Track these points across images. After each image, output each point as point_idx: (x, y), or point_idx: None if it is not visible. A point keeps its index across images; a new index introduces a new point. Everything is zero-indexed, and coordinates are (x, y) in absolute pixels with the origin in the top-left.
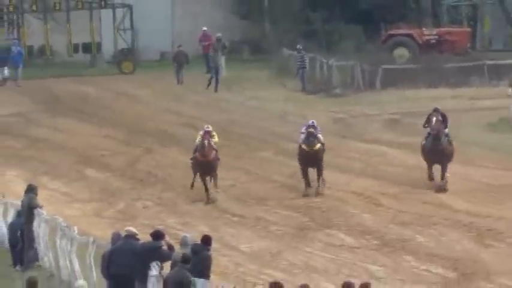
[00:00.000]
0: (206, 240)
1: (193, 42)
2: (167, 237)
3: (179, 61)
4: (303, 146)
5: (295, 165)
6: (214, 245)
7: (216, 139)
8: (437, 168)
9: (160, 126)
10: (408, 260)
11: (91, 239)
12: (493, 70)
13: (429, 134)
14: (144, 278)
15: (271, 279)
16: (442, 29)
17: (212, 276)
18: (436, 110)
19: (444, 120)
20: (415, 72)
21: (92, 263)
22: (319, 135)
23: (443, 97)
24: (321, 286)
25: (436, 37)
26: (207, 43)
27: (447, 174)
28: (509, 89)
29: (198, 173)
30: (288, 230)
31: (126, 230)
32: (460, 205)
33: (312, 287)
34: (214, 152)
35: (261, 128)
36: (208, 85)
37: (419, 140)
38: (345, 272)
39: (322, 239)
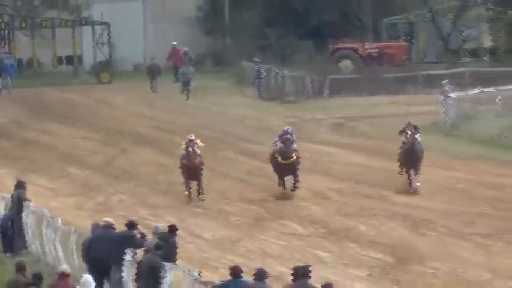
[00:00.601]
0: (173, 229)
1: (163, 56)
2: (140, 227)
3: (153, 72)
4: (278, 158)
5: (252, 163)
6: (180, 233)
7: (200, 144)
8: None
9: (135, 129)
10: (351, 246)
11: (73, 229)
12: (427, 80)
13: (403, 143)
14: (119, 262)
15: (231, 264)
16: (382, 44)
17: (179, 261)
18: (409, 124)
19: (416, 130)
20: (358, 82)
21: (74, 250)
22: (294, 144)
23: (382, 103)
24: (276, 270)
25: (377, 50)
26: (175, 56)
27: (420, 178)
28: (441, 96)
29: (186, 178)
30: (246, 221)
31: (103, 221)
32: (397, 198)
33: (268, 271)
34: (199, 157)
35: (223, 131)
36: (183, 93)
37: (361, 141)
38: (296, 257)
39: (276, 228)
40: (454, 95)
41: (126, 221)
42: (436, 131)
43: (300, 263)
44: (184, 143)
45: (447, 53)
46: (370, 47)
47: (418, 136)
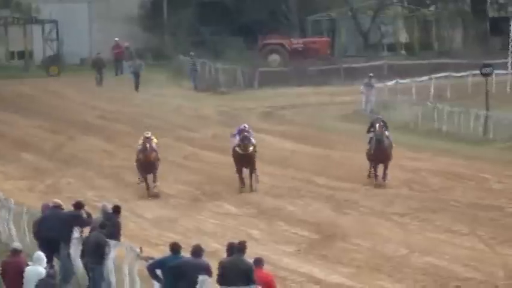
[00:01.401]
0: (116, 209)
1: (107, 50)
2: (86, 208)
3: (98, 66)
4: (237, 149)
5: (188, 149)
6: (124, 213)
7: (156, 141)
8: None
9: (82, 118)
10: (281, 225)
11: (25, 209)
12: (348, 72)
13: (371, 138)
14: (67, 240)
15: (170, 241)
16: (307, 39)
17: (122, 239)
18: (377, 118)
19: (385, 125)
20: (286, 74)
21: (26, 228)
22: (252, 139)
23: (308, 94)
24: (211, 246)
25: (302, 45)
26: (117, 51)
27: (387, 173)
28: (362, 87)
29: (142, 172)
30: (184, 202)
31: (53, 202)
32: (323, 181)
33: (204, 247)
34: (154, 153)
35: (162, 119)
36: (137, 86)
37: (289, 128)
38: (229, 235)
39: (211, 208)
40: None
41: (73, 202)
42: (356, 119)
43: (234, 240)
44: (141, 139)
45: (367, 48)
46: (296, 42)
47: (386, 132)
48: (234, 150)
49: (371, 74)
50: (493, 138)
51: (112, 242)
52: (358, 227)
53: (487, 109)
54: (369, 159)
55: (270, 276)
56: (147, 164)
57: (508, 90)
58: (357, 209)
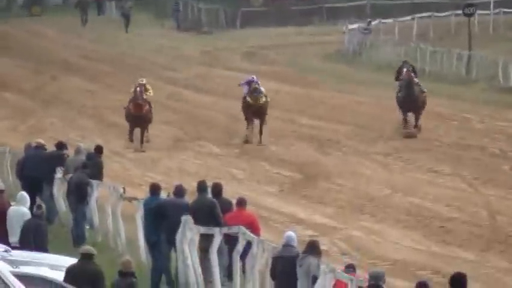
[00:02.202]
0: (98, 149)
1: None
2: (69, 148)
3: (82, 6)
4: (248, 99)
5: (170, 88)
6: (106, 153)
7: (150, 93)
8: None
9: (64, 58)
10: (263, 165)
11: (7, 149)
12: (331, 12)
13: (400, 86)
14: (50, 180)
15: (153, 181)
16: None
17: (105, 179)
18: (405, 62)
19: (414, 71)
20: (268, 14)
21: (9, 168)
22: (262, 89)
23: (290, 34)
24: (193, 186)
25: None
26: None
27: (420, 122)
28: (344, 27)
29: (131, 124)
30: (166, 142)
31: (36, 142)
32: (305, 121)
33: (186, 187)
34: (147, 105)
35: (144, 59)
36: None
37: (272, 68)
38: (212, 175)
39: (193, 148)
40: (355, 25)
41: (55, 142)
42: (338, 59)
43: (207, 179)
44: (133, 85)
45: None
46: None
47: (416, 79)
48: (244, 100)
49: (370, 19)
50: (475, 78)
51: (95, 182)
52: (341, 166)
53: (470, 49)
54: (399, 106)
55: (253, 216)
56: (137, 117)
57: (491, 30)
58: (340, 149)
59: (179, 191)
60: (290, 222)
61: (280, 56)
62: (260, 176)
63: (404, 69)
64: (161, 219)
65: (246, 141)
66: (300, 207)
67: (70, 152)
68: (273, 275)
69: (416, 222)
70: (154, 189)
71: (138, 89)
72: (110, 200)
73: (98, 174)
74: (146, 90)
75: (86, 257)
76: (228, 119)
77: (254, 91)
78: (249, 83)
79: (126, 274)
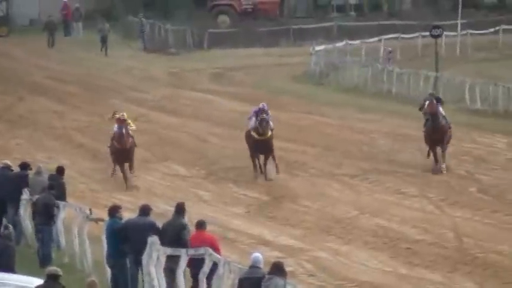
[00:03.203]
0: (60, 171)
1: (56, 12)
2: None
3: (50, 28)
4: (253, 134)
5: (138, 110)
6: (73, 174)
7: (133, 127)
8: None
9: (31, 78)
10: (230, 186)
11: None
12: (298, 33)
13: (427, 119)
14: (16, 201)
15: (119, 202)
16: (257, 0)
17: (72, 200)
18: (430, 95)
19: (438, 103)
20: (235, 35)
21: None
22: (270, 122)
23: (257, 55)
24: (160, 207)
25: (252, 6)
26: (66, 12)
27: (445, 159)
28: (311, 48)
29: (116, 161)
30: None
31: (2, 163)
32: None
33: (153, 208)
34: (131, 139)
35: (112, 80)
36: (102, 48)
37: (238, 89)
38: (178, 196)
39: (161, 169)
40: (321, 47)
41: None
42: (306, 80)
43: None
44: (112, 117)
45: (316, 9)
46: (246, 3)
47: (441, 109)
48: (248, 135)
49: (390, 49)
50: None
51: (61, 203)
52: (308, 188)
53: (437, 71)
54: (425, 141)
55: (213, 238)
56: (122, 152)
57: (458, 51)
58: (307, 170)
59: (144, 210)
60: (257, 244)
61: (247, 77)
62: (227, 197)
63: (427, 102)
64: (125, 240)
65: (256, 179)
66: (266, 228)
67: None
68: None
69: (383, 243)
70: (113, 211)
71: (120, 125)
72: (76, 221)
73: (61, 195)
74: (127, 124)
75: (52, 278)
76: (196, 141)
77: (262, 122)
78: (258, 112)
79: None
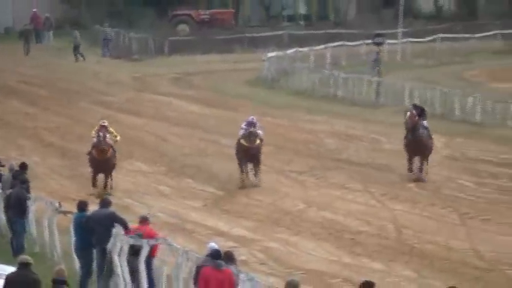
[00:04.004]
0: (23, 166)
1: (27, 20)
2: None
3: (26, 36)
4: (242, 142)
5: (104, 112)
6: (44, 171)
7: (117, 136)
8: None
9: (5, 83)
10: (188, 182)
11: None
12: (251, 41)
13: (407, 129)
14: None
15: (87, 197)
16: (214, 10)
17: (43, 194)
18: (411, 106)
19: (422, 114)
20: (193, 43)
21: None
22: (259, 131)
23: (214, 61)
24: (124, 201)
25: (209, 16)
26: (36, 21)
27: (425, 168)
28: (264, 55)
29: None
30: None
31: None
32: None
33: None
34: (111, 149)
35: (80, 84)
36: (76, 58)
37: (196, 92)
38: (140, 191)
39: (125, 166)
40: (273, 54)
41: None
42: (259, 84)
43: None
44: (95, 129)
45: (268, 19)
46: (203, 13)
47: (424, 122)
48: (238, 143)
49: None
50: (384, 102)
51: (33, 197)
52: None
53: (379, 76)
54: (405, 151)
55: (153, 231)
56: (101, 162)
57: (399, 58)
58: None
59: (104, 203)
60: (212, 235)
61: (204, 82)
62: (185, 192)
63: (408, 113)
64: (90, 232)
65: (242, 186)
66: (221, 220)
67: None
68: (196, 282)
69: (329, 234)
70: (82, 205)
71: (100, 133)
72: (46, 213)
73: (28, 189)
74: (109, 132)
75: (24, 266)
76: (157, 140)
77: (251, 135)
78: (248, 124)
79: (59, 281)
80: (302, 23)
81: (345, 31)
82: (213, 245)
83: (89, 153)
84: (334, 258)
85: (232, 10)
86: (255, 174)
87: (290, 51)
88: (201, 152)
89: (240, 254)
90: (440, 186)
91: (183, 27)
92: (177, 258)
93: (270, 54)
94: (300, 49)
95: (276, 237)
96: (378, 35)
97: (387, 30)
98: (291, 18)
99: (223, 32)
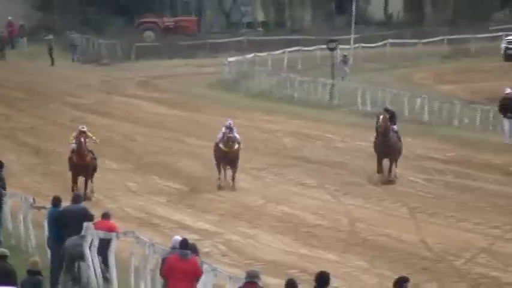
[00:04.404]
0: None
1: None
2: None
3: (1, 42)
4: (221, 146)
5: (74, 113)
6: (18, 168)
7: (96, 140)
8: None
9: None
10: (154, 178)
11: None
12: (213, 46)
13: (378, 132)
14: None
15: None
16: (178, 18)
17: (17, 190)
18: (384, 110)
19: (393, 118)
20: (159, 48)
21: None
22: (236, 135)
23: (178, 65)
24: (94, 197)
25: (173, 23)
26: (11, 28)
27: (396, 170)
28: (224, 59)
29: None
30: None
31: None
32: (192, 141)
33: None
34: (90, 154)
35: (52, 87)
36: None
37: (162, 95)
38: (110, 187)
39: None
40: (233, 58)
41: None
42: (220, 87)
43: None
44: (73, 134)
45: (229, 26)
46: (168, 20)
47: (394, 126)
48: (216, 146)
49: (345, 54)
50: (337, 103)
51: (8, 193)
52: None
53: (333, 78)
54: (375, 152)
55: (114, 225)
56: (81, 166)
57: (351, 62)
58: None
59: (76, 199)
60: (177, 228)
61: (169, 85)
62: (152, 188)
63: (381, 116)
64: (63, 225)
65: (220, 187)
66: (186, 215)
67: None
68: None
69: (287, 228)
70: (56, 201)
71: (81, 139)
72: (21, 208)
73: (3, 185)
74: (88, 137)
75: (1, 258)
76: (125, 139)
77: (228, 140)
78: (227, 128)
79: (33, 273)
80: (260, 29)
81: (300, 37)
82: (178, 238)
83: (69, 158)
84: (291, 250)
85: (195, 18)
86: (232, 178)
87: (249, 55)
88: (166, 151)
89: (204, 246)
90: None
91: (149, 34)
92: (144, 251)
93: (231, 59)
94: (259, 54)
95: (237, 231)
96: (332, 41)
97: (340, 36)
98: (250, 25)
99: (187, 38)
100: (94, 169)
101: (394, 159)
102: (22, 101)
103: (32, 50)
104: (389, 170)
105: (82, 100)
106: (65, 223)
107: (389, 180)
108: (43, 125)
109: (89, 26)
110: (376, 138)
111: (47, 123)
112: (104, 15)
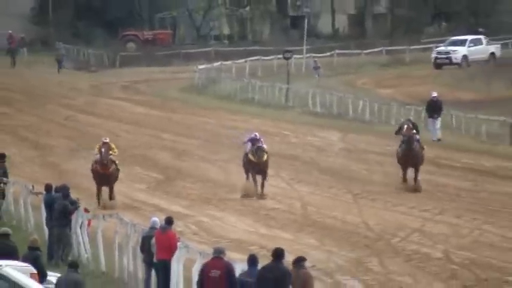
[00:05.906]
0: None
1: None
2: None
3: (12, 52)
4: (250, 156)
5: (67, 112)
6: (20, 160)
7: (115, 152)
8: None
9: None
10: (136, 168)
11: None
12: (186, 56)
13: (402, 141)
14: None
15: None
16: (155, 31)
17: (18, 178)
18: (406, 120)
19: (414, 127)
20: (139, 57)
21: None
22: (265, 146)
23: (155, 72)
24: (84, 184)
25: (152, 36)
26: (11, 40)
27: (419, 177)
28: (195, 67)
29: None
30: (64, 152)
31: None
32: (167, 136)
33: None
34: (113, 165)
35: (47, 90)
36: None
37: (142, 97)
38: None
39: (85, 156)
40: (203, 66)
41: None
42: (192, 91)
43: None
44: (98, 145)
45: (199, 38)
46: (147, 33)
47: (417, 136)
48: (246, 157)
49: (315, 59)
50: (292, 105)
51: (11, 180)
52: (193, 170)
53: (288, 83)
54: (399, 162)
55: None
56: (104, 176)
57: (303, 69)
58: (192, 157)
59: (62, 188)
60: (155, 211)
61: (148, 88)
62: (133, 176)
63: (405, 126)
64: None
65: (246, 195)
66: (162, 200)
67: None
68: (142, 250)
69: (248, 211)
70: (48, 187)
71: (103, 149)
72: (22, 194)
73: (3, 175)
74: (111, 149)
75: (4, 236)
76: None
77: (258, 150)
78: (253, 140)
79: (33, 249)
80: (226, 41)
81: (260, 48)
82: (156, 219)
83: (93, 168)
84: (252, 230)
85: (171, 31)
86: (262, 185)
87: (216, 64)
88: (146, 145)
89: (177, 226)
90: (337, 172)
91: (131, 45)
92: (126, 230)
93: (201, 67)
94: (224, 62)
95: (206, 213)
96: (287, 51)
97: (294, 47)
98: (217, 38)
99: (163, 49)
100: (116, 179)
101: (417, 167)
102: (22, 102)
103: (31, 59)
104: (415, 179)
105: (74, 101)
106: (53, 206)
107: (415, 189)
108: (40, 123)
109: (79, 38)
110: (399, 147)
111: (44, 121)
112: (92, 28)
